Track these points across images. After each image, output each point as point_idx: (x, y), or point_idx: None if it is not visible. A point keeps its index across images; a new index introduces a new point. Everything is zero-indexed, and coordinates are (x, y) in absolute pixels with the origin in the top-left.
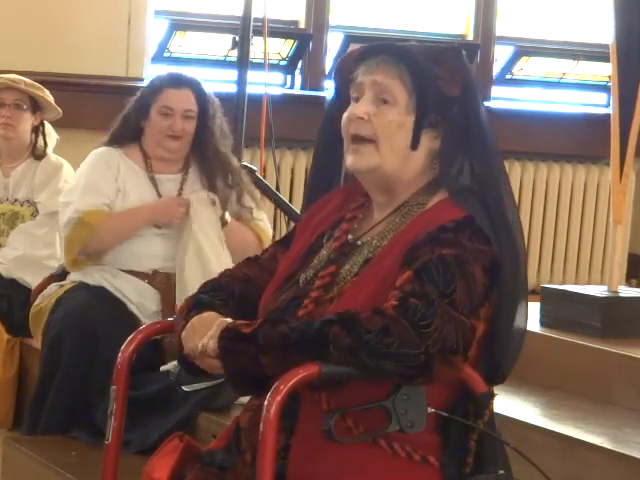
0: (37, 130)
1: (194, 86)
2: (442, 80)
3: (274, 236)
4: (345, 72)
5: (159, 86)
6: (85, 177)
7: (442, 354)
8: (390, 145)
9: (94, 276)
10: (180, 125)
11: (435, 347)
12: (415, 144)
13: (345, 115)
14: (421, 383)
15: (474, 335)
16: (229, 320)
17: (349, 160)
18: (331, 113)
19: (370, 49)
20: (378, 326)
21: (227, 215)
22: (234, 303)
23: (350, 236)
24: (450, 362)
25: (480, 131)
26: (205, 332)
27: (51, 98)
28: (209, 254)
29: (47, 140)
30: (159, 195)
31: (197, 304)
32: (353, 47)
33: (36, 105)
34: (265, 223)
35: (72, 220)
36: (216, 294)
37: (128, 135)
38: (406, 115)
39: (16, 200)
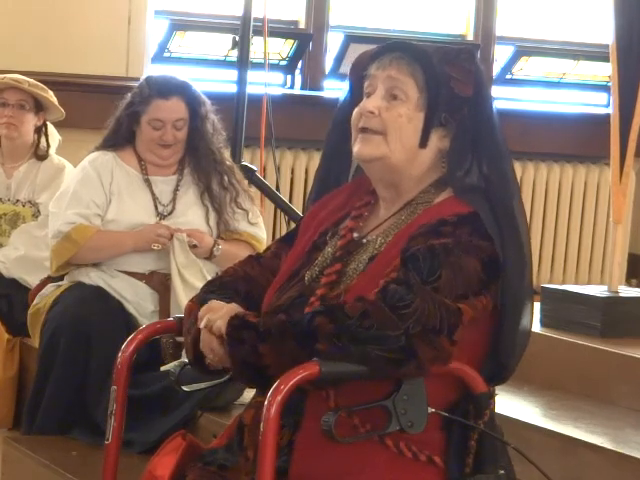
0: (40, 131)
1: (183, 92)
2: (455, 80)
3: (274, 237)
4: (360, 69)
5: (148, 96)
6: (74, 187)
7: (424, 334)
8: (399, 138)
9: (91, 276)
10: (170, 135)
11: (416, 328)
12: (424, 142)
13: (356, 110)
14: (411, 371)
15: (460, 317)
16: (239, 309)
17: (356, 148)
18: (343, 111)
19: (386, 47)
20: (358, 311)
21: (216, 250)
22: (240, 301)
23: (355, 234)
24: (433, 343)
25: (491, 132)
26: (219, 310)
27: (54, 99)
28: (195, 284)
29: (50, 141)
30: (154, 197)
31: (203, 303)
32: (353, 47)
33: (39, 106)
34: (259, 228)
35: (60, 233)
36: (222, 293)
37: (121, 139)
38: (416, 112)
39: (18, 201)
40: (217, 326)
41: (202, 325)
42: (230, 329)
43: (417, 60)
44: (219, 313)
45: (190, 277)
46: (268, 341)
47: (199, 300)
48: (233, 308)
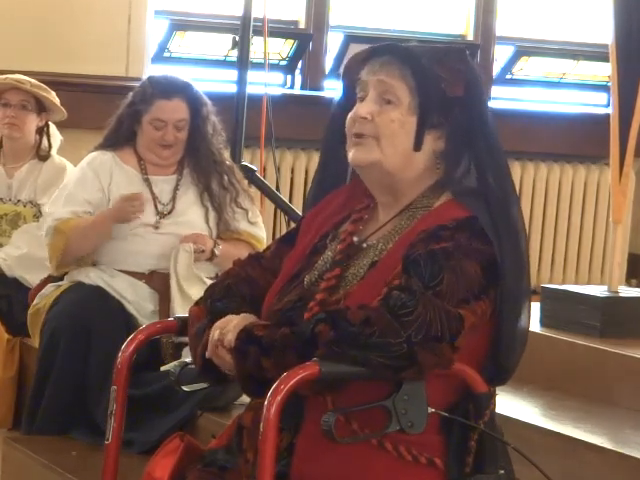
0: (42, 131)
1: (185, 93)
2: (445, 81)
3: (274, 237)
4: (352, 73)
5: (150, 96)
6: (69, 188)
7: (426, 342)
8: (392, 143)
9: (91, 276)
10: (172, 136)
11: (418, 335)
12: (418, 145)
13: (350, 115)
14: (411, 376)
15: (462, 324)
16: (251, 319)
17: (350, 154)
18: (337, 113)
19: (375, 50)
20: (360, 319)
21: (217, 249)
22: (247, 306)
23: (355, 238)
24: (435, 350)
25: (485, 131)
26: (230, 322)
27: (57, 100)
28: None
29: (51, 141)
30: (154, 196)
31: (212, 312)
32: (353, 47)
33: (41, 106)
34: (259, 227)
35: (50, 229)
36: (230, 300)
37: (122, 138)
38: (408, 116)
39: (19, 201)
40: (228, 339)
41: (215, 338)
42: (238, 343)
43: (407, 63)
44: (230, 326)
45: (189, 289)
46: (271, 355)
47: (207, 308)
48: (243, 320)
